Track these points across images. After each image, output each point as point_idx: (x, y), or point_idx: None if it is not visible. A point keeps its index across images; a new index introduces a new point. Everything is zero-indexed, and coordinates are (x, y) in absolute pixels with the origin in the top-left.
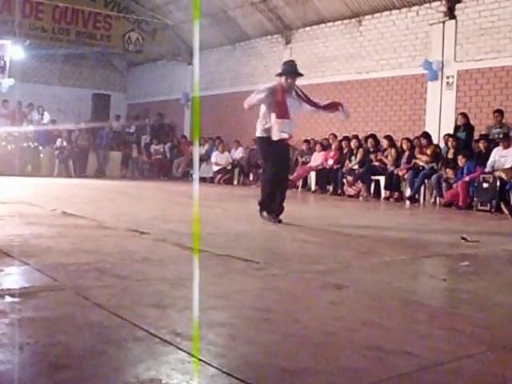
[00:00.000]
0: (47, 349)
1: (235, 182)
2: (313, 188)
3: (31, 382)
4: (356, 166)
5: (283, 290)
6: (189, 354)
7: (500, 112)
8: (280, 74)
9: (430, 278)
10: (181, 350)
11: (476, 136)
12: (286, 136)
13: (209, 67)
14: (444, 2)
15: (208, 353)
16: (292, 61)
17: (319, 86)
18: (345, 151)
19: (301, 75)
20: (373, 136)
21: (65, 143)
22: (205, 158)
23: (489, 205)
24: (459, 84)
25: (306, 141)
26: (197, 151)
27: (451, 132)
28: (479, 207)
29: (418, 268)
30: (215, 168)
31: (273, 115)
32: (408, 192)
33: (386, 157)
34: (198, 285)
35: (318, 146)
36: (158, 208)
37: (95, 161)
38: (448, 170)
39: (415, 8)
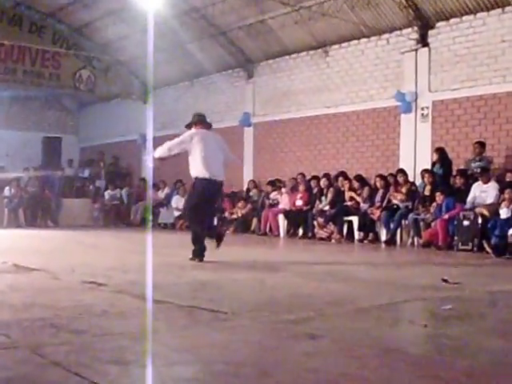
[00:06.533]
0: None
1: None
2: (281, 232)
3: None
4: (327, 207)
5: (253, 342)
6: None
7: (481, 144)
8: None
9: (410, 324)
10: None
11: (454, 171)
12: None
13: (166, 105)
14: (416, 29)
15: None
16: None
17: (285, 122)
18: (314, 191)
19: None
20: (344, 174)
21: (13, 191)
22: (165, 203)
23: (470, 244)
24: (435, 115)
25: (270, 182)
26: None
27: (428, 167)
28: (460, 247)
29: (397, 314)
30: (176, 213)
31: None
32: (384, 233)
33: (359, 195)
34: (161, 339)
35: (284, 187)
36: (115, 257)
37: (47, 209)
38: (425, 208)
39: (385, 36)
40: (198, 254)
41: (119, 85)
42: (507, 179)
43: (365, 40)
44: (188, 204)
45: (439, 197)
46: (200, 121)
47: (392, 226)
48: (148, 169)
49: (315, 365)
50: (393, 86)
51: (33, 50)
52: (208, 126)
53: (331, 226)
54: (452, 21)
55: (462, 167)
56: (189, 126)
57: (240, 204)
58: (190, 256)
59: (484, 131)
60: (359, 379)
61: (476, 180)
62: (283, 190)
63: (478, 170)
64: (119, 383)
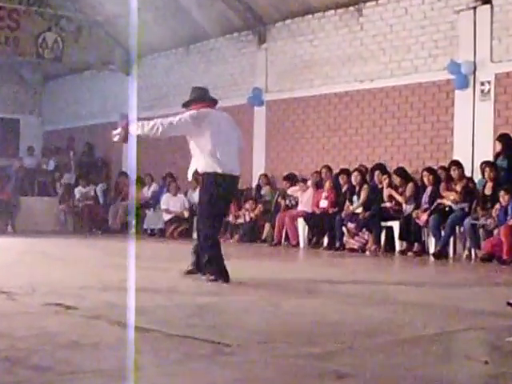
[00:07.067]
0: None
1: (194, 236)
2: (301, 241)
3: None
4: (360, 209)
5: (264, 382)
6: None
7: None
8: None
9: (465, 359)
10: None
11: None
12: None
13: (154, 78)
14: None
15: None
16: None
17: (306, 100)
18: (344, 189)
19: None
20: (381, 167)
21: None
22: (152, 204)
23: None
24: (498, 92)
25: (288, 177)
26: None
27: (490, 159)
28: None
29: (450, 346)
30: (166, 217)
31: None
32: (432, 243)
33: (401, 194)
34: (146, 377)
35: (308, 182)
36: (88, 273)
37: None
38: (486, 211)
39: None
40: (220, 271)
41: (94, 52)
42: None
43: None
44: (202, 213)
45: (504, 197)
46: (205, 97)
47: (443, 233)
48: (130, 156)
49: None
50: (445, 55)
51: None
52: (214, 104)
53: (365, 234)
54: None
55: None
56: (188, 105)
57: (248, 205)
58: (211, 277)
59: None
60: None
61: None
62: (309, 182)
63: None
64: None
